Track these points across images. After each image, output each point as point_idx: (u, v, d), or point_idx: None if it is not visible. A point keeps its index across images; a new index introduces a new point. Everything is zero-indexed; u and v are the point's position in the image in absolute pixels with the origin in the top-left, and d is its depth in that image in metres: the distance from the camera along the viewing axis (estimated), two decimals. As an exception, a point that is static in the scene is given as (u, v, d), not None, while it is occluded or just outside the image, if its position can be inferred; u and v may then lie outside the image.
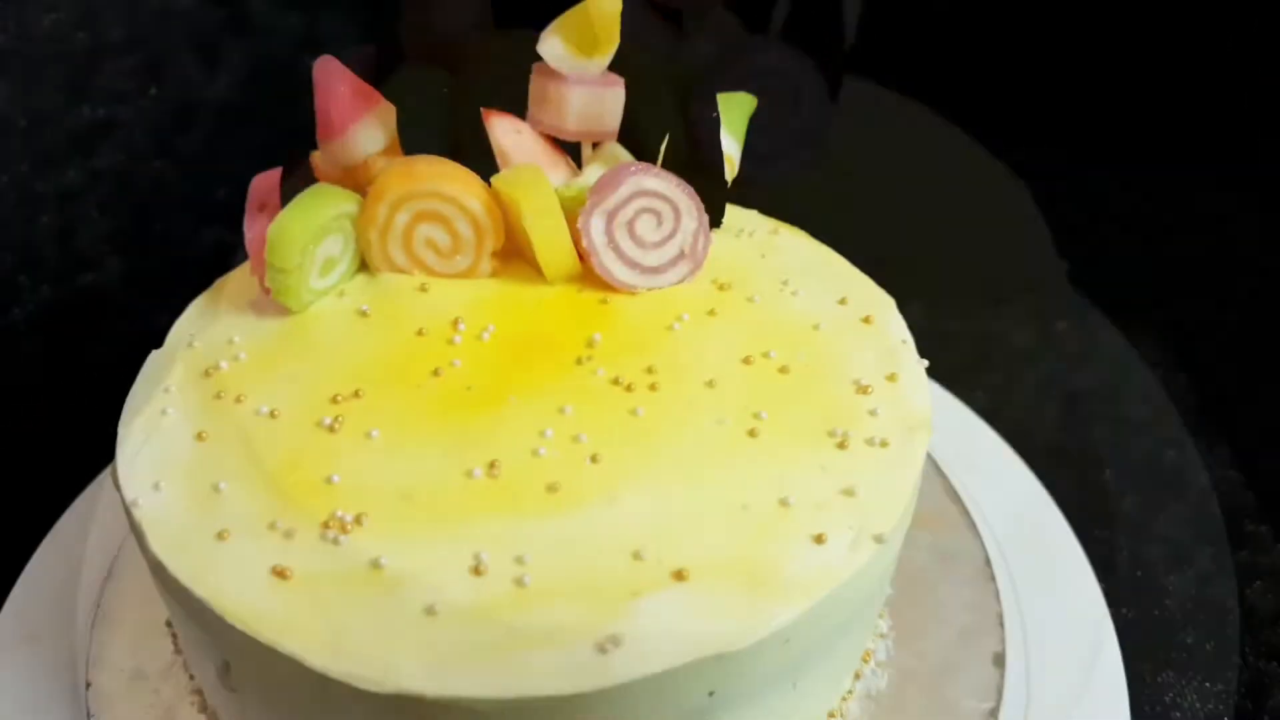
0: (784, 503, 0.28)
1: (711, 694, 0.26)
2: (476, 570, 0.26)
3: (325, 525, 0.27)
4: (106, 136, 0.68)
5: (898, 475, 0.29)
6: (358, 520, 0.27)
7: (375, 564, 0.26)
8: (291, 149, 0.37)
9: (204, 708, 0.34)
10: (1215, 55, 0.74)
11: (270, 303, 0.35)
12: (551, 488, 0.28)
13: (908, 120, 0.77)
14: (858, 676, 0.34)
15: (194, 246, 0.70)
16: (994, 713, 0.35)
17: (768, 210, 0.42)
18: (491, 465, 0.29)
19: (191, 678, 0.34)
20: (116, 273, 0.68)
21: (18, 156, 0.65)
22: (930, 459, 0.45)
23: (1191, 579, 0.56)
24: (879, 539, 0.27)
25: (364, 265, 0.37)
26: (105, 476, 0.45)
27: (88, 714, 0.35)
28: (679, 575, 0.26)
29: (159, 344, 0.35)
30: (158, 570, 0.27)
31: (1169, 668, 0.51)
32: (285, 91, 0.73)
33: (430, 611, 0.25)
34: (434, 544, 0.27)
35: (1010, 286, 0.77)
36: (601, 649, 0.24)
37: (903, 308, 0.37)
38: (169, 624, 0.35)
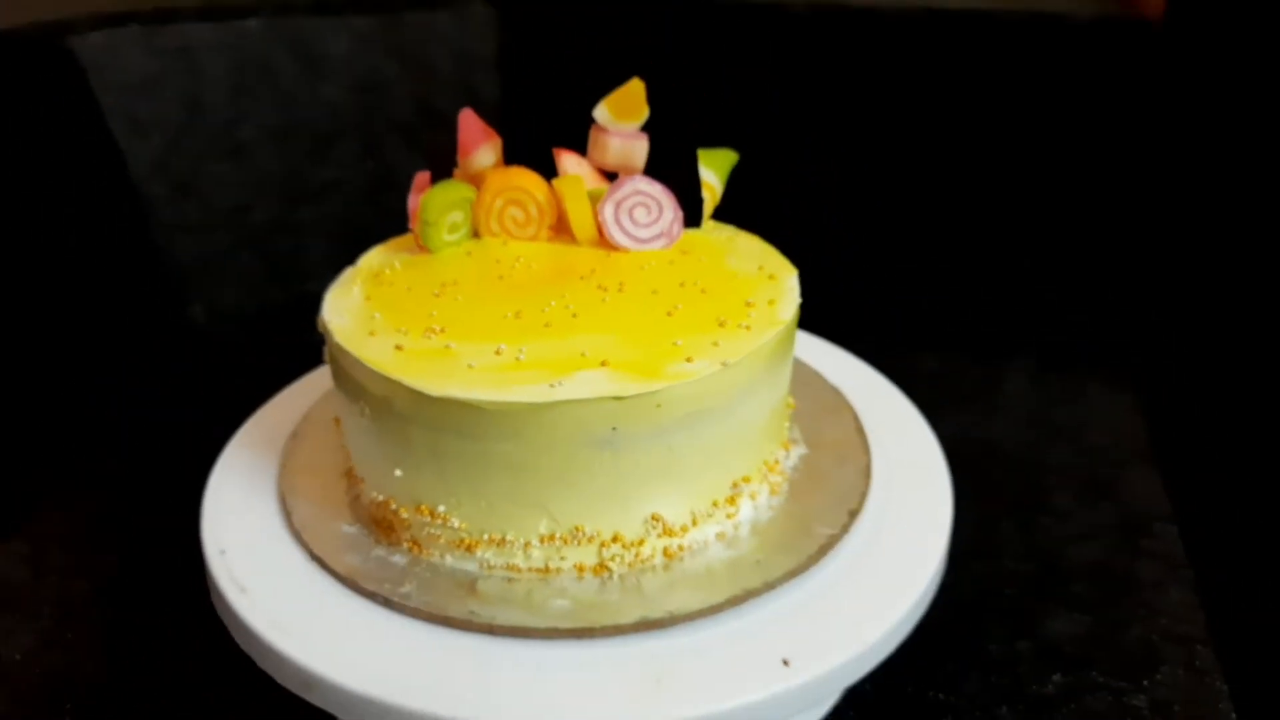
0: (674, 344, 0.49)
1: (614, 429, 0.46)
2: (498, 353, 0.48)
3: (424, 331, 0.50)
4: (335, 190, 0.97)
5: (750, 339, 0.50)
6: (442, 330, 0.50)
7: (447, 348, 0.49)
8: (439, 164, 0.62)
9: (349, 481, 0.57)
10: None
11: (417, 249, 0.60)
12: (547, 324, 0.50)
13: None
14: (735, 484, 0.53)
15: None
16: (836, 538, 0.53)
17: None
18: (517, 313, 0.51)
19: (344, 449, 0.57)
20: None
21: (271, 198, 0.95)
22: (854, 413, 0.64)
23: (1093, 549, 0.71)
24: (725, 364, 0.48)
25: (474, 234, 0.61)
26: (307, 377, 0.71)
27: (279, 487, 0.58)
28: (604, 363, 0.47)
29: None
30: (338, 351, 0.51)
31: (1056, 603, 0.66)
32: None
33: (470, 367, 0.47)
34: (478, 341, 0.49)
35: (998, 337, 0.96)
36: (551, 386, 0.46)
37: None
38: (336, 421, 0.59)
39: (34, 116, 0.90)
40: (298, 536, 0.54)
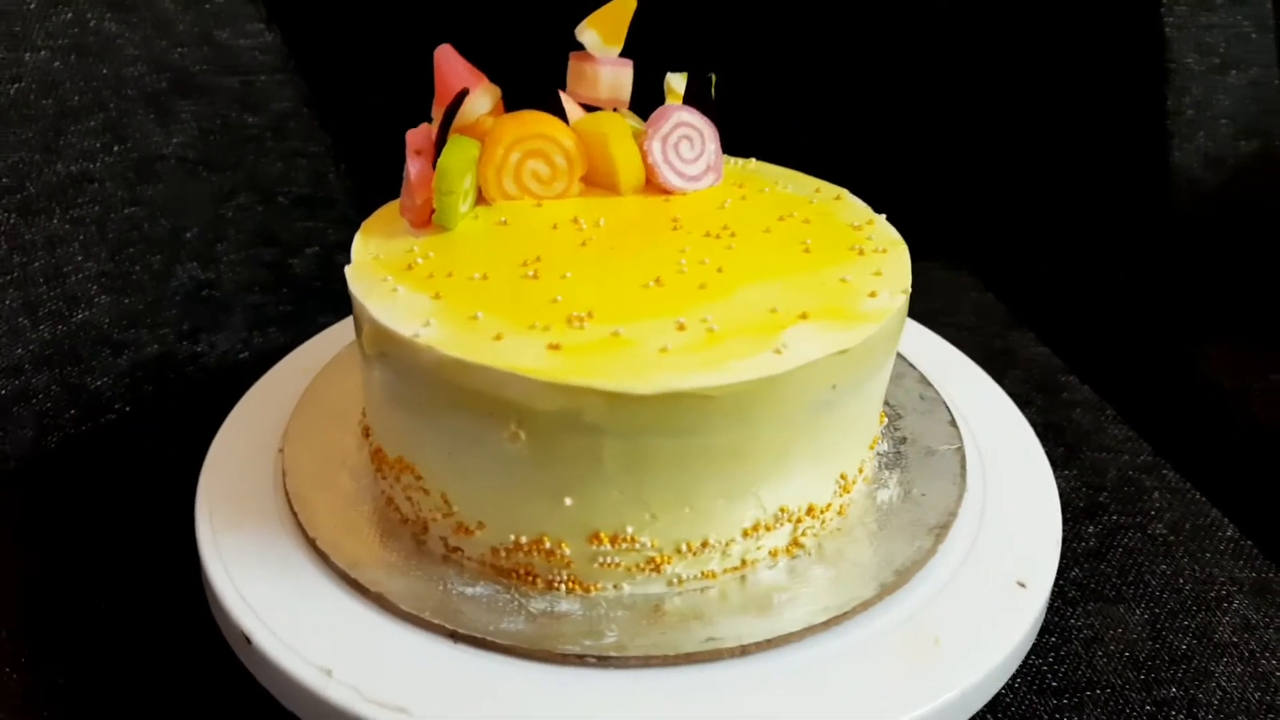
0: (844, 280, 0.44)
1: (834, 387, 0.41)
2: (681, 328, 0.40)
3: (569, 320, 0.40)
4: (82, 189, 0.74)
5: (897, 261, 0.46)
6: (589, 315, 0.40)
7: (615, 334, 0.39)
8: (450, 112, 0.48)
9: (428, 534, 0.44)
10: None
11: (418, 230, 0.47)
12: (701, 286, 0.42)
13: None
14: (888, 423, 0.49)
15: (170, 280, 0.78)
16: (960, 449, 0.52)
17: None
18: (656, 280, 0.43)
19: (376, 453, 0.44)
20: (106, 308, 0.74)
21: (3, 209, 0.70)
22: (915, 369, 0.61)
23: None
24: (905, 290, 0.44)
25: (479, 199, 0.50)
26: (256, 388, 0.55)
27: (340, 567, 0.44)
28: (804, 316, 0.41)
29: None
30: (452, 368, 0.39)
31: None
32: (230, 142, 0.83)
33: (663, 350, 0.39)
34: (645, 320, 0.40)
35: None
36: (776, 351, 0.39)
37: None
38: (365, 431, 0.45)
39: None
40: (420, 621, 0.41)
